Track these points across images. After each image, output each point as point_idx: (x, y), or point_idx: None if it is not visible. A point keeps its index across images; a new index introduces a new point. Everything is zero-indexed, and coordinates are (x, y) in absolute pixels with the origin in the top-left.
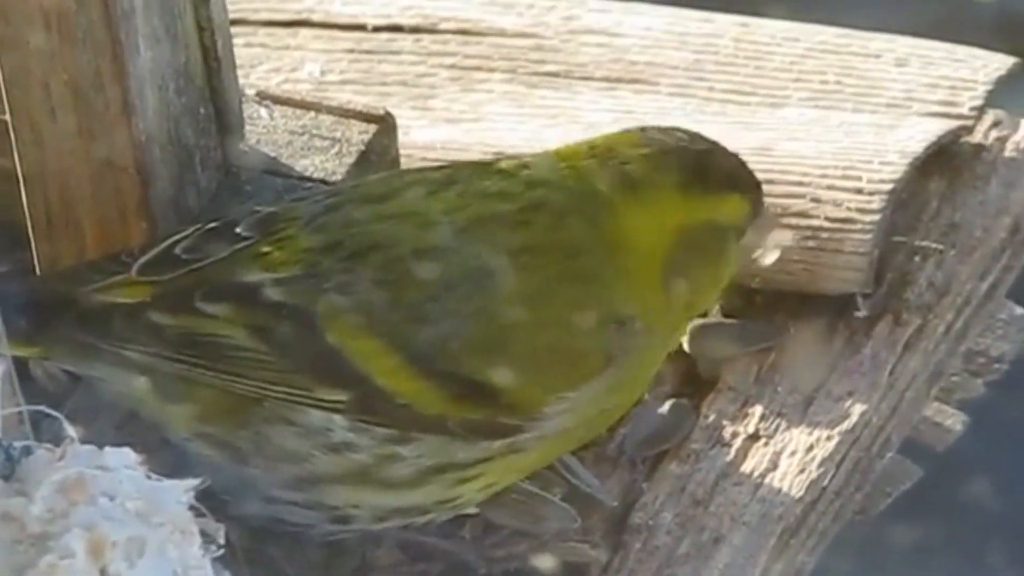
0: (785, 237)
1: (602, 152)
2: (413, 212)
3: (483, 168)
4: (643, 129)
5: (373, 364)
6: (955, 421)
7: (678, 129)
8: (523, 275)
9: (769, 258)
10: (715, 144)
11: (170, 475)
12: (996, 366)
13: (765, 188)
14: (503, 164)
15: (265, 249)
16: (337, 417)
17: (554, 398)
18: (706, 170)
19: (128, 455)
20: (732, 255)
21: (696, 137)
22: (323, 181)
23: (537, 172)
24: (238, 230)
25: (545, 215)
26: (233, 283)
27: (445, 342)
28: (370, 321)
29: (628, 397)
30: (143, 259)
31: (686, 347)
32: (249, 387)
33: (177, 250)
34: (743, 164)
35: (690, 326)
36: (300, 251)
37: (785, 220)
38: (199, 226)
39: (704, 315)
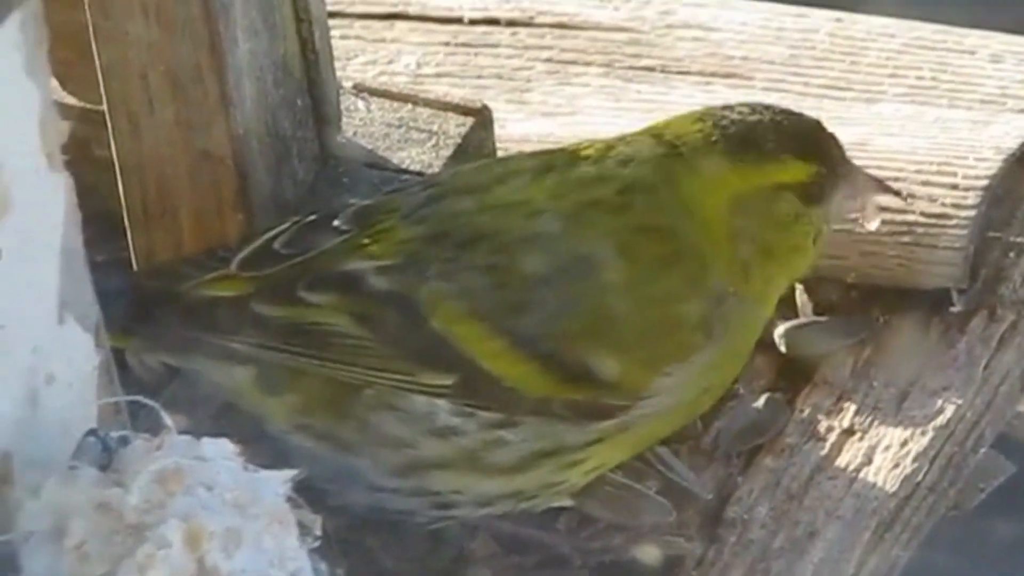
0: (888, 199)
1: (676, 128)
2: (518, 202)
3: (575, 153)
4: (728, 106)
5: (477, 347)
6: None
7: (763, 105)
8: (625, 258)
9: (872, 223)
10: (790, 114)
11: (268, 466)
12: None
13: None
14: (594, 147)
15: (365, 240)
16: (441, 402)
17: (658, 376)
18: (758, 136)
19: (225, 446)
20: (804, 220)
21: (773, 110)
22: (420, 173)
23: (626, 150)
24: (336, 223)
25: (641, 194)
26: (336, 272)
27: (549, 325)
28: (473, 306)
29: (729, 373)
30: (242, 254)
31: (782, 348)
32: (354, 374)
33: (276, 245)
34: (816, 130)
35: (785, 326)
36: (401, 241)
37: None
38: (296, 220)
39: (797, 314)
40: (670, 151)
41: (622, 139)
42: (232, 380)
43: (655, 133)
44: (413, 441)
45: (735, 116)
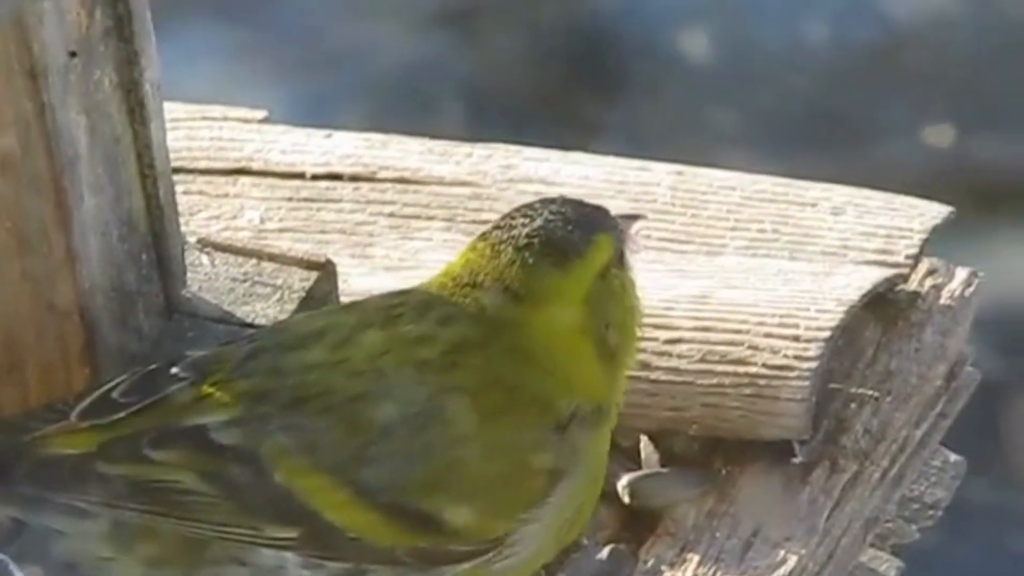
0: (640, 223)
1: (473, 272)
2: (339, 361)
3: (389, 308)
4: (484, 236)
5: (321, 499)
6: (890, 567)
7: (522, 209)
8: (458, 413)
9: (640, 252)
10: (551, 202)
11: None
12: (931, 512)
13: (704, 336)
14: (404, 303)
15: (203, 392)
16: (289, 555)
17: (515, 523)
18: (566, 237)
19: None
20: (628, 285)
21: (533, 207)
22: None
23: (442, 310)
24: (174, 371)
25: (469, 354)
26: (179, 428)
27: (390, 476)
28: (315, 460)
29: (590, 499)
30: (81, 405)
31: (625, 499)
32: (202, 530)
33: (115, 394)
34: (584, 203)
35: (628, 477)
36: (236, 395)
37: (723, 368)
38: (136, 370)
39: (640, 466)
40: (498, 295)
41: (435, 287)
42: (82, 535)
43: (460, 282)
44: None
45: (521, 229)
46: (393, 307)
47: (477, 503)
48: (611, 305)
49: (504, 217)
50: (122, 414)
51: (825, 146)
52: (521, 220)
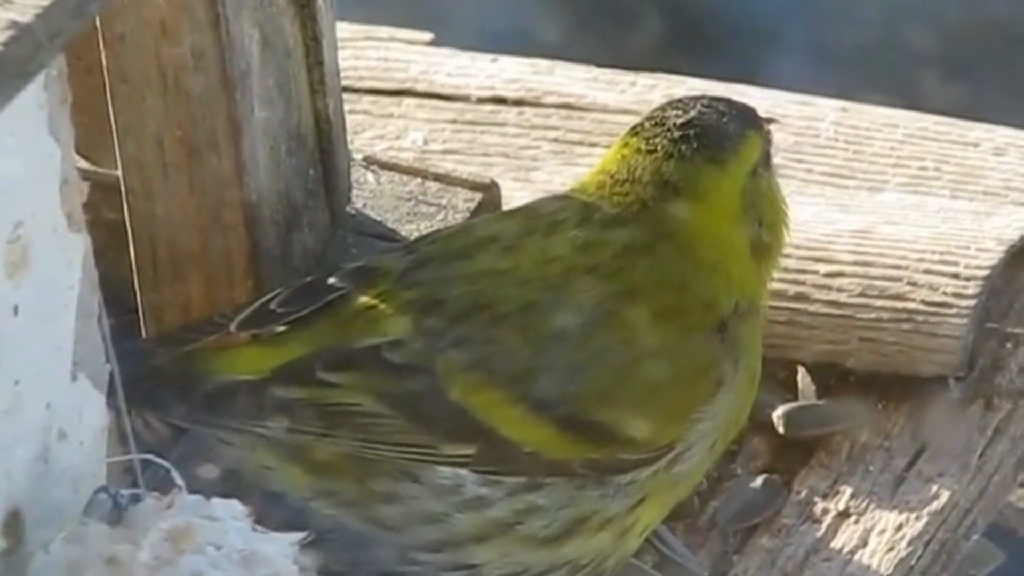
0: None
1: (631, 168)
2: (506, 270)
3: (551, 213)
4: (636, 131)
5: (496, 415)
6: None
7: (664, 107)
8: (630, 318)
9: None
10: (699, 98)
11: (277, 530)
12: None
13: (864, 271)
14: (566, 207)
15: (366, 303)
16: (465, 471)
17: (689, 423)
18: (721, 130)
19: (235, 506)
20: (775, 186)
21: (687, 101)
22: None
23: (605, 213)
24: (331, 281)
25: (636, 256)
26: (351, 349)
27: (565, 386)
28: (489, 375)
29: (749, 398)
30: (241, 316)
31: (780, 429)
32: (379, 451)
33: (272, 304)
34: (729, 100)
35: (783, 408)
36: (402, 308)
37: (881, 302)
38: (292, 282)
39: (797, 396)
40: (657, 188)
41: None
42: (249, 445)
43: (619, 178)
44: (444, 516)
45: (675, 120)
46: (555, 212)
47: (651, 409)
48: (762, 203)
49: (656, 110)
50: (283, 327)
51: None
52: (673, 112)
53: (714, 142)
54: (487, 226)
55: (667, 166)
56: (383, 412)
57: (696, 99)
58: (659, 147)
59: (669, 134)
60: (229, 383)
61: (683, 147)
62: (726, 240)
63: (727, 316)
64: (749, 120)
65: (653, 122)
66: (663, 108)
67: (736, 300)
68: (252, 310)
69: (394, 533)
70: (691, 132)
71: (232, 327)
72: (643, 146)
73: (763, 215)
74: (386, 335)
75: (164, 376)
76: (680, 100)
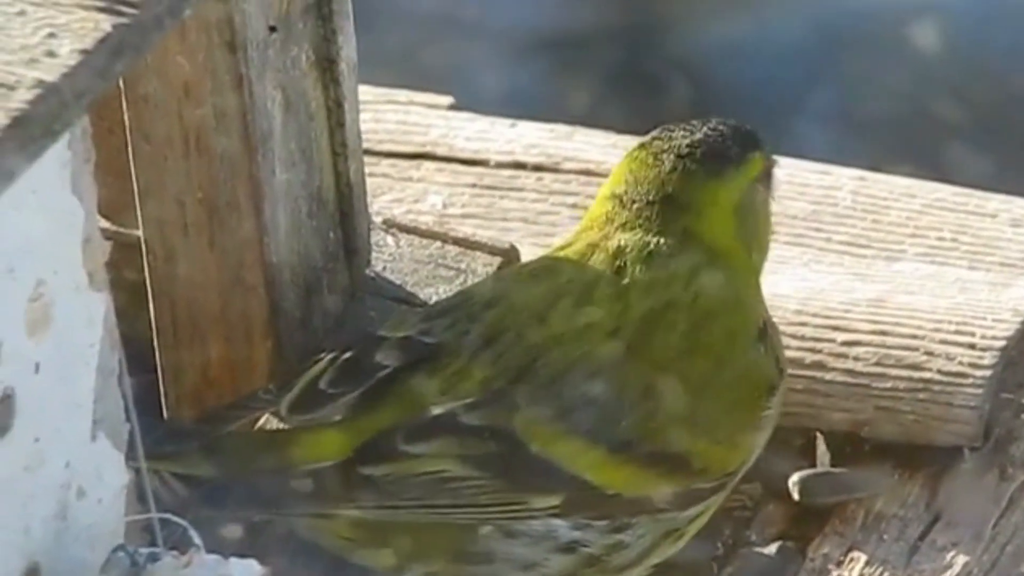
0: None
1: (637, 182)
2: (586, 325)
3: (612, 260)
4: (644, 146)
5: (580, 462)
6: None
7: (670, 127)
8: (704, 343)
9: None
10: (707, 121)
11: None
12: None
13: (880, 340)
14: (629, 252)
15: (427, 374)
16: (556, 521)
17: (759, 432)
18: (720, 147)
19: (253, 566)
20: (768, 203)
21: (690, 125)
22: None
23: (656, 241)
24: (378, 359)
25: (703, 277)
26: (429, 419)
27: (641, 425)
28: (567, 424)
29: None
30: (289, 397)
31: (795, 496)
32: (471, 515)
33: (321, 384)
34: (736, 123)
35: (799, 475)
36: (466, 372)
37: (898, 372)
38: (332, 356)
39: (814, 464)
40: (674, 208)
41: (619, 239)
42: (327, 532)
43: (627, 199)
44: (543, 560)
45: (682, 140)
46: (612, 256)
47: (720, 433)
48: (753, 216)
49: (662, 130)
50: (339, 413)
51: None
52: (681, 132)
53: (718, 157)
54: (551, 279)
55: (671, 179)
56: (470, 475)
57: (704, 121)
58: (664, 161)
59: (676, 150)
60: (312, 470)
61: (688, 162)
62: (739, 248)
63: (763, 326)
64: (753, 142)
65: (660, 139)
66: (668, 127)
67: (760, 309)
68: (300, 391)
69: None
70: (697, 151)
71: (283, 410)
72: (650, 160)
73: (755, 227)
74: (458, 400)
75: (232, 467)
76: (688, 122)
